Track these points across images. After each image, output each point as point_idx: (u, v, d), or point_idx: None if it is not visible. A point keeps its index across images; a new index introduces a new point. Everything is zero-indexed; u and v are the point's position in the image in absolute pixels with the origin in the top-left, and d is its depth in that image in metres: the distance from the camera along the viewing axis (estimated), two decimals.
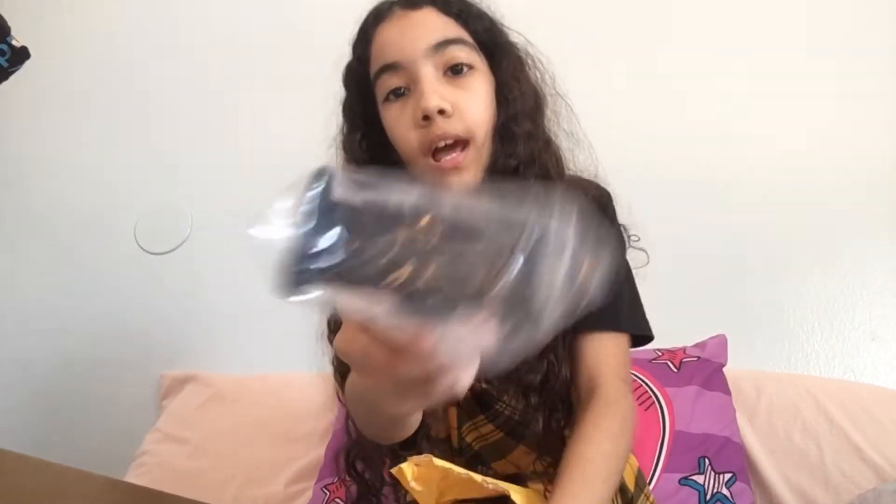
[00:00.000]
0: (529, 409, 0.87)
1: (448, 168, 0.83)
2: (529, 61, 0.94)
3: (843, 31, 1.69)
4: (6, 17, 1.28)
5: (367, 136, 0.91)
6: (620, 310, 0.92)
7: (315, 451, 1.48)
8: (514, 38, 0.94)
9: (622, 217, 0.99)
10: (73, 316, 1.83)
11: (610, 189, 0.98)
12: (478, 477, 0.77)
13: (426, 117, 0.81)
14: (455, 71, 0.84)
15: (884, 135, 1.64)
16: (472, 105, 0.84)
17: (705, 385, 1.39)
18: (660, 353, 1.43)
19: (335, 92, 1.82)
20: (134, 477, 1.49)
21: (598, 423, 0.84)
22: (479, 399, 0.91)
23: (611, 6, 1.78)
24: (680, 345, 1.45)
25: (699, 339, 1.49)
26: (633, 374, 1.35)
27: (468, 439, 0.92)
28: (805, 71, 1.69)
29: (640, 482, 1.02)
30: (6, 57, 1.27)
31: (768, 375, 1.49)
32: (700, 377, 1.39)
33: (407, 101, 0.84)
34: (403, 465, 0.76)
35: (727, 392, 1.40)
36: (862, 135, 1.64)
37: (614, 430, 0.84)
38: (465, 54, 0.84)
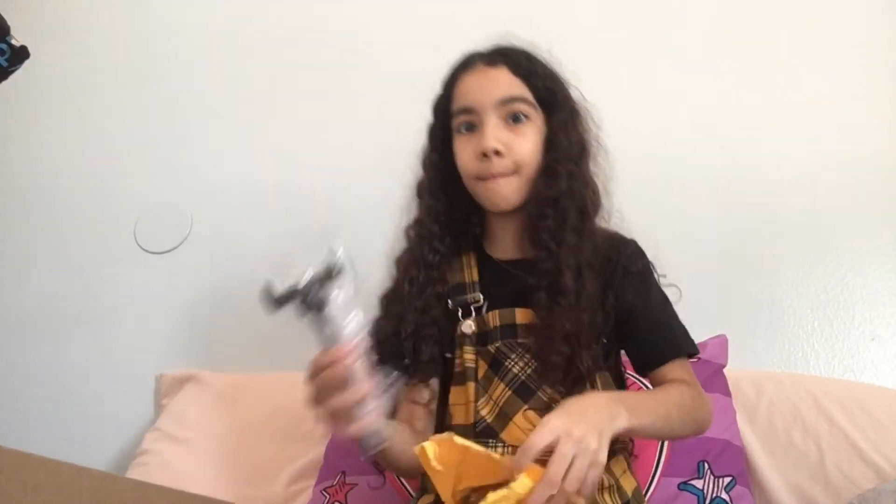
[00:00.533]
0: (542, 379, 1.03)
1: (490, 187, 1.05)
2: (581, 114, 1.13)
3: (844, 30, 1.69)
4: (6, 16, 1.28)
5: (442, 157, 1.12)
6: (675, 337, 1.11)
7: (315, 451, 1.48)
8: (573, 93, 1.13)
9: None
10: (73, 315, 1.83)
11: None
12: (496, 455, 0.82)
13: (485, 154, 1.03)
14: (514, 119, 1.05)
15: (884, 134, 1.64)
16: (521, 148, 1.05)
17: (705, 387, 1.36)
18: None
19: (335, 93, 1.84)
20: (133, 476, 1.49)
21: (673, 385, 1.04)
22: (493, 362, 1.06)
23: (613, 8, 1.78)
24: None
25: (699, 340, 1.48)
26: (631, 375, 1.36)
27: (483, 413, 1.04)
28: (805, 71, 1.69)
29: (637, 496, 1.07)
30: (6, 57, 1.27)
31: (768, 376, 1.49)
32: (700, 379, 1.38)
33: (472, 137, 1.07)
34: (426, 444, 0.82)
35: (727, 394, 1.40)
36: (862, 134, 1.64)
37: (688, 392, 1.03)
38: (523, 109, 1.06)
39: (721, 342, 1.47)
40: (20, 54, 1.28)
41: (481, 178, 1.06)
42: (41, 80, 1.88)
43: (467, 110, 1.07)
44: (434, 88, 1.82)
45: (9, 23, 1.27)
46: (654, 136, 1.67)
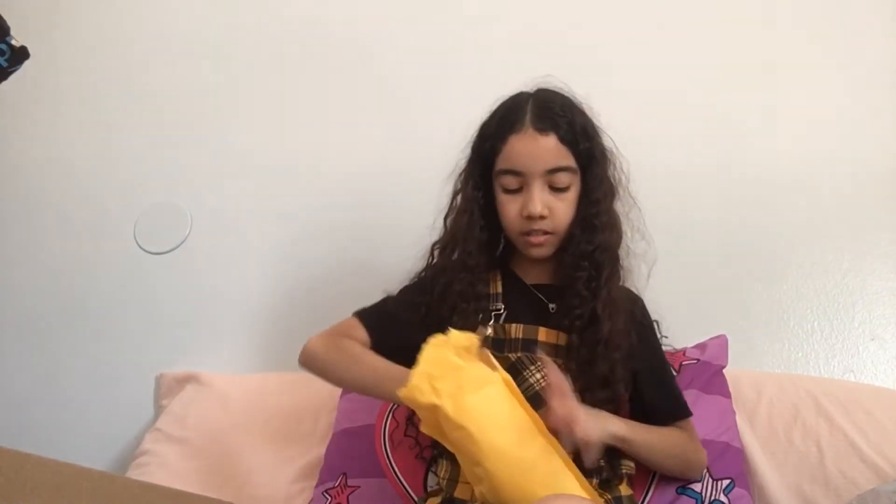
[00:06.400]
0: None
1: (533, 244, 1.17)
2: (612, 163, 1.22)
3: (845, 31, 1.70)
4: (6, 17, 1.29)
5: (484, 193, 1.21)
6: (682, 398, 1.22)
7: (315, 451, 1.48)
8: (606, 141, 1.21)
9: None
10: (73, 315, 1.83)
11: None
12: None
13: (530, 217, 1.13)
14: (557, 189, 1.15)
15: (884, 135, 1.64)
16: (561, 212, 1.16)
17: (705, 389, 1.38)
18: None
19: (336, 94, 1.84)
20: (133, 476, 1.49)
21: (678, 431, 1.19)
22: (511, 369, 1.12)
23: (614, 8, 1.79)
24: (680, 345, 1.44)
25: (699, 340, 1.48)
26: None
27: None
28: (806, 72, 1.70)
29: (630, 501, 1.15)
30: (6, 57, 1.27)
31: (768, 376, 1.49)
32: (700, 381, 1.38)
33: (518, 196, 1.16)
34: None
35: (727, 395, 1.39)
36: (862, 135, 1.64)
37: (689, 443, 1.18)
38: (567, 179, 1.15)
39: (721, 343, 1.46)
40: (20, 54, 1.29)
41: (524, 234, 1.17)
42: (41, 81, 1.89)
43: (515, 172, 1.15)
44: (433, 91, 1.82)
45: (9, 23, 1.27)
46: (655, 136, 1.67)
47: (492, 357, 0.99)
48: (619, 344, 1.13)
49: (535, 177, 1.13)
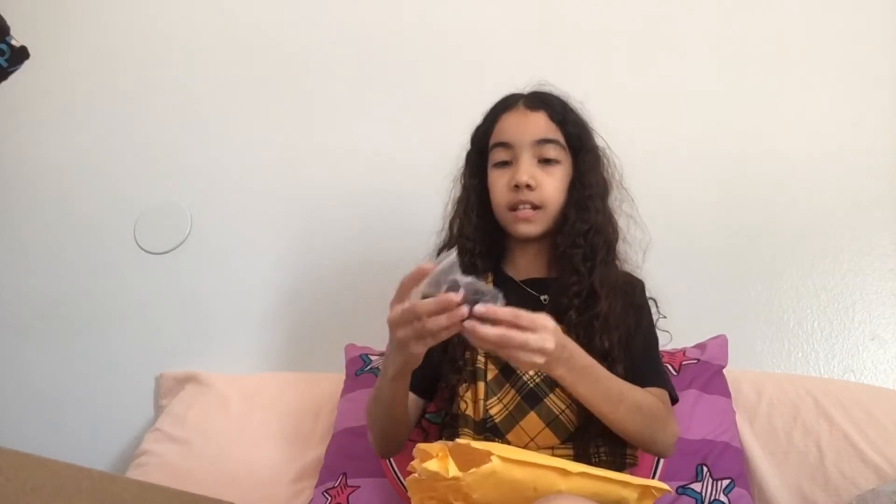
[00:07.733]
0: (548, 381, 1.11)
1: (520, 218, 1.17)
2: (605, 160, 1.26)
3: (845, 31, 1.70)
4: (6, 17, 1.29)
5: (480, 182, 1.25)
6: (663, 372, 1.19)
7: (315, 451, 1.48)
8: (599, 141, 1.25)
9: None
10: (73, 315, 1.83)
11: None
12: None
13: (517, 186, 1.16)
14: (545, 161, 1.18)
15: (884, 135, 1.64)
16: (549, 187, 1.17)
17: (704, 388, 1.38)
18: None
19: (337, 93, 1.84)
20: (133, 476, 1.49)
21: (647, 392, 1.08)
22: (504, 369, 1.14)
23: (616, 7, 1.79)
24: (680, 345, 1.44)
25: (699, 340, 1.48)
26: None
27: (492, 412, 1.12)
28: (805, 72, 1.70)
29: None
30: (6, 57, 1.28)
31: (768, 376, 1.49)
32: (700, 381, 1.39)
33: (507, 171, 1.19)
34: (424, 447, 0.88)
35: (727, 395, 1.40)
36: (862, 135, 1.64)
37: (656, 405, 1.08)
38: (555, 152, 1.19)
39: (721, 342, 1.46)
40: (20, 54, 1.29)
41: (512, 208, 1.18)
42: (41, 80, 1.89)
43: (504, 144, 1.20)
44: (437, 90, 1.82)
45: (9, 23, 1.27)
46: (656, 136, 1.68)
47: (472, 443, 0.86)
48: (617, 324, 1.12)
49: (524, 148, 1.17)
